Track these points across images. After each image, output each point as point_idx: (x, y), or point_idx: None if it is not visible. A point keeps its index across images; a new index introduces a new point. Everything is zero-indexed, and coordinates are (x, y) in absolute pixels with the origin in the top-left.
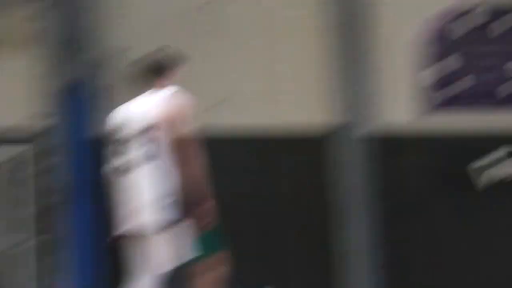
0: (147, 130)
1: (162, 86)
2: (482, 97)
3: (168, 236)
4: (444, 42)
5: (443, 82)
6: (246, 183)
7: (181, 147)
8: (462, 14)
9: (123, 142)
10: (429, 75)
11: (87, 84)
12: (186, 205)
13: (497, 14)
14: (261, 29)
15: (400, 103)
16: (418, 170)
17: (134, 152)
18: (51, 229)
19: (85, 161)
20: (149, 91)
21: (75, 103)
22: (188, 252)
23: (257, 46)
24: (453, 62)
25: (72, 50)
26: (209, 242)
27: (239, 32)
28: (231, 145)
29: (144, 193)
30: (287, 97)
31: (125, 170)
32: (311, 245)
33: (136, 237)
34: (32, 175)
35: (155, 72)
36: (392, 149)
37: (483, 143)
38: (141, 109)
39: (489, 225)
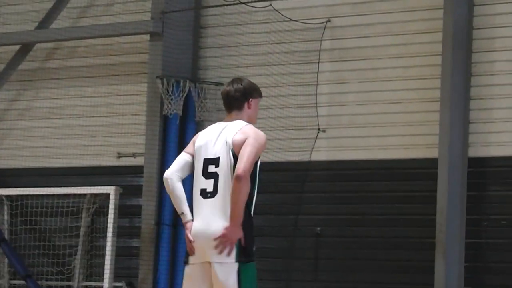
0: (227, 152)
1: (239, 116)
2: None
3: (237, 269)
4: None
5: None
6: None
7: (240, 157)
8: None
9: (206, 165)
10: None
11: (184, 116)
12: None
13: None
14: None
15: (510, 127)
16: None
17: (217, 173)
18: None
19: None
20: (227, 118)
21: (173, 135)
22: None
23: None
24: None
25: (173, 83)
26: (255, 284)
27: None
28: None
29: (220, 219)
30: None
31: (207, 193)
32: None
33: (207, 265)
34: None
35: (229, 103)
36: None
37: None
38: (223, 133)
39: None
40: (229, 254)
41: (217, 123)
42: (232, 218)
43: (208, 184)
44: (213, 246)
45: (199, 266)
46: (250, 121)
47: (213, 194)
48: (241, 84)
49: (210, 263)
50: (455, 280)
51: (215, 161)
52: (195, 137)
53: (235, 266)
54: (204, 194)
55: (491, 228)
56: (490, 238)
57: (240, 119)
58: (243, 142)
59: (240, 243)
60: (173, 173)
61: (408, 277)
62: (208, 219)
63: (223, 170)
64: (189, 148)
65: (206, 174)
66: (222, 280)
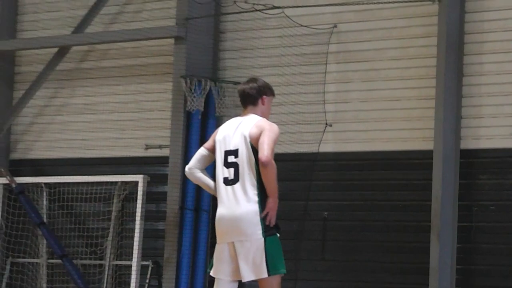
0: (246, 144)
1: (253, 111)
2: None
3: (263, 245)
4: None
5: None
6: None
7: (260, 145)
8: None
9: (226, 156)
10: None
11: (205, 112)
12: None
13: None
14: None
15: (500, 121)
16: (503, 189)
17: (237, 162)
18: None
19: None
20: (242, 114)
21: (195, 129)
22: (276, 263)
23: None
24: None
25: (196, 82)
26: (282, 259)
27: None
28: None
29: (244, 204)
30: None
31: (229, 181)
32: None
33: (231, 244)
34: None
35: (244, 99)
36: (483, 168)
37: None
38: (241, 126)
39: None
40: (256, 233)
41: (234, 119)
42: (271, 194)
43: (230, 173)
44: (238, 227)
45: (226, 245)
46: (263, 116)
47: (234, 181)
48: (256, 83)
49: (234, 243)
50: (448, 259)
51: (235, 152)
52: (214, 132)
53: (262, 239)
54: (227, 181)
55: (481, 213)
56: (479, 222)
57: (254, 114)
58: (259, 134)
59: (264, 221)
60: (192, 167)
61: (406, 257)
62: (232, 204)
63: (242, 159)
64: (208, 143)
65: (227, 164)
66: (252, 255)
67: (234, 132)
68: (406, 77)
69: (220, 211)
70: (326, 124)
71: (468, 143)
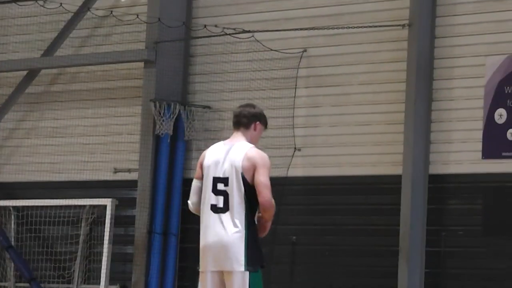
0: (237, 174)
1: (244, 135)
2: None
3: (247, 276)
4: None
5: None
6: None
7: (259, 188)
8: None
9: (215, 183)
10: (501, 116)
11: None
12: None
13: None
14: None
15: (468, 145)
16: (472, 214)
17: (227, 191)
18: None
19: (172, 206)
20: (232, 138)
21: (164, 153)
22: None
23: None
24: None
25: (165, 106)
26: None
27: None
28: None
29: (233, 233)
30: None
31: (218, 209)
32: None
33: (219, 272)
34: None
35: (238, 121)
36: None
37: None
38: (230, 154)
39: None
40: (240, 264)
41: (221, 143)
42: (264, 232)
43: (218, 201)
44: (225, 256)
45: (211, 274)
46: (252, 142)
47: (224, 210)
48: (254, 109)
49: (222, 272)
50: (416, 284)
51: (225, 180)
52: (201, 157)
53: (246, 273)
54: (215, 209)
55: (449, 238)
56: (448, 247)
57: (244, 139)
58: (252, 168)
59: (248, 255)
60: (195, 202)
61: (375, 281)
62: (220, 231)
63: (232, 189)
64: (197, 173)
65: (216, 191)
66: (236, 285)
67: (224, 158)
68: (376, 101)
69: (207, 238)
70: (295, 148)
71: (437, 168)
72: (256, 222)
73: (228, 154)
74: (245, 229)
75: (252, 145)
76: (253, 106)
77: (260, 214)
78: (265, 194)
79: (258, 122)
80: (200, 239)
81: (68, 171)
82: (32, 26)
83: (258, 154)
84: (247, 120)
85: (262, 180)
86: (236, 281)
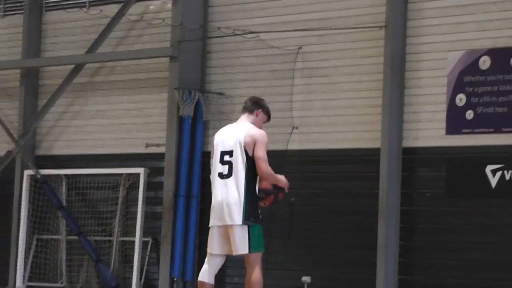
0: (240, 147)
1: (247, 119)
2: (500, 118)
3: (246, 229)
4: (474, 73)
5: (472, 105)
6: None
7: (258, 161)
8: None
9: (222, 155)
10: (461, 100)
11: (195, 117)
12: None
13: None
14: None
15: (434, 124)
16: (437, 179)
17: (231, 161)
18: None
19: (193, 174)
20: (239, 121)
21: (186, 131)
22: (255, 244)
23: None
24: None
25: (187, 93)
26: (262, 241)
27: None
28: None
29: (234, 194)
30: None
31: (223, 175)
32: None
33: (223, 226)
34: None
35: (246, 106)
36: (421, 163)
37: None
38: (235, 132)
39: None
40: (239, 219)
41: (228, 126)
42: (277, 182)
43: (224, 169)
44: (227, 212)
45: (217, 228)
46: (257, 123)
47: (228, 176)
48: (261, 101)
49: (227, 226)
50: (392, 237)
51: (230, 153)
52: (212, 139)
53: (244, 227)
54: (221, 176)
55: (419, 199)
56: (418, 206)
57: (248, 121)
58: (253, 143)
59: (246, 211)
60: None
61: (358, 235)
62: (224, 193)
63: (236, 160)
64: (212, 153)
65: (223, 162)
66: (238, 238)
67: (230, 136)
68: (358, 89)
69: (215, 199)
70: (293, 127)
71: (409, 143)
72: (255, 187)
73: (234, 132)
74: (245, 191)
75: (252, 125)
76: (260, 98)
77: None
78: (262, 166)
79: (260, 110)
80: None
81: (108, 146)
82: (78, 29)
83: (258, 132)
84: (252, 106)
85: (260, 154)
86: (236, 233)
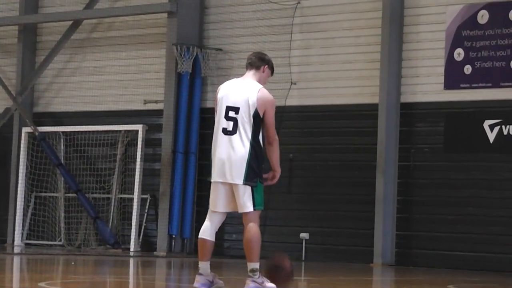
0: (247, 106)
1: (253, 76)
2: (499, 72)
3: (250, 188)
4: (472, 27)
5: (470, 60)
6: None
7: (268, 126)
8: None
9: (227, 110)
10: (459, 55)
11: (193, 73)
12: (265, 161)
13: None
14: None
15: (433, 79)
16: (435, 134)
17: (237, 118)
18: (155, 188)
19: (191, 130)
20: (245, 77)
21: (184, 87)
22: (257, 202)
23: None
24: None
25: (185, 49)
26: (262, 199)
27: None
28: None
29: (238, 151)
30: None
31: (228, 131)
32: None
33: (226, 183)
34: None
35: (252, 62)
36: (419, 118)
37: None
38: (242, 89)
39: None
40: (240, 178)
41: (234, 79)
42: (274, 166)
43: (229, 125)
44: (230, 170)
45: (221, 184)
46: (260, 82)
47: (232, 132)
48: (265, 56)
49: (231, 184)
50: (391, 192)
51: (235, 109)
52: (217, 91)
53: (247, 186)
54: (225, 131)
55: (417, 154)
56: (416, 161)
57: (254, 78)
58: (263, 106)
59: (249, 171)
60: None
61: (357, 189)
62: (229, 149)
63: (242, 117)
64: (216, 106)
65: (227, 117)
66: (243, 196)
67: (237, 91)
68: (357, 44)
69: (218, 155)
70: (292, 82)
71: (407, 98)
72: (261, 146)
73: (241, 89)
74: (249, 150)
75: (261, 86)
76: (264, 54)
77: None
78: (271, 130)
79: (266, 66)
80: (211, 155)
81: (107, 102)
82: None
83: (269, 97)
84: (258, 62)
85: (271, 120)
86: (240, 191)
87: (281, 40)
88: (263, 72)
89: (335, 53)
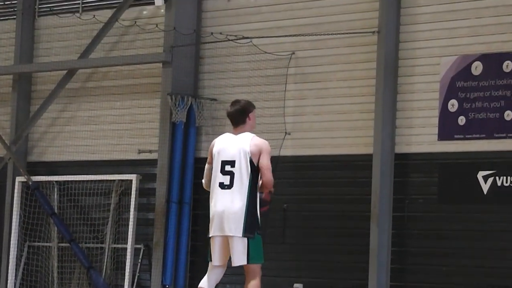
0: (243, 157)
1: (243, 129)
2: (492, 123)
3: (246, 240)
4: (466, 78)
5: (464, 111)
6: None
7: (263, 170)
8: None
9: (223, 165)
10: (453, 105)
11: (188, 122)
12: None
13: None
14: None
15: (427, 129)
16: (430, 185)
17: (233, 171)
18: (149, 238)
19: (185, 180)
20: (234, 130)
21: (179, 136)
22: (254, 255)
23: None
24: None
25: (180, 99)
26: (261, 251)
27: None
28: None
29: (236, 205)
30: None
31: (225, 185)
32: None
33: (224, 237)
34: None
35: (234, 121)
36: (413, 168)
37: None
38: (236, 142)
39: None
40: (239, 231)
41: (226, 134)
42: (266, 204)
43: (225, 179)
44: (228, 224)
45: (218, 238)
46: (251, 128)
47: (230, 186)
48: (239, 105)
49: (227, 237)
50: (385, 243)
51: (231, 163)
52: (211, 146)
53: (245, 239)
54: (222, 186)
55: (412, 205)
56: (410, 212)
57: (245, 131)
58: (258, 152)
59: (247, 223)
60: (206, 181)
61: (351, 240)
62: (227, 203)
63: (238, 170)
64: (209, 159)
65: (224, 172)
66: (237, 249)
67: (231, 145)
68: (351, 94)
69: (215, 210)
70: (286, 133)
71: (402, 148)
72: (257, 198)
73: (235, 142)
74: (247, 202)
75: (254, 135)
76: (238, 102)
77: (261, 192)
78: (268, 175)
79: (249, 114)
80: (210, 211)
81: (101, 152)
82: (71, 34)
83: (263, 142)
84: (242, 117)
85: (266, 164)
86: (236, 244)
87: (276, 90)
88: (250, 119)
89: (329, 104)
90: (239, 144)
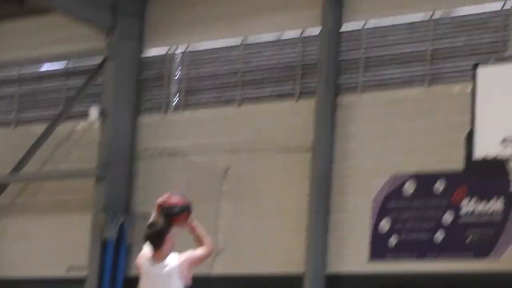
0: (171, 272)
1: (164, 251)
2: (423, 244)
3: None
4: (398, 198)
5: (396, 231)
6: None
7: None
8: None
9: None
10: (385, 225)
11: (120, 240)
12: None
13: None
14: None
15: (358, 249)
16: None
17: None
18: None
19: None
20: (158, 254)
21: (110, 254)
22: None
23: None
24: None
25: (111, 215)
26: None
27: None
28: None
29: None
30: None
31: None
32: None
33: None
34: None
35: (156, 247)
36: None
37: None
38: (162, 264)
39: None
40: None
41: (152, 252)
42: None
43: None
44: None
45: None
46: (172, 246)
47: None
48: (155, 227)
49: None
50: None
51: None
52: (138, 258)
53: None
54: None
55: None
56: None
57: (166, 251)
58: (186, 261)
59: None
60: None
61: None
62: None
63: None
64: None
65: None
66: None
67: (156, 267)
68: (285, 212)
69: None
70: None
71: (333, 268)
72: None
73: (159, 266)
74: None
75: (175, 254)
76: (154, 225)
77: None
78: (206, 248)
79: (167, 235)
80: None
81: (29, 269)
82: (3, 148)
83: (184, 253)
84: (159, 241)
85: (197, 252)
86: None
87: (210, 207)
88: (169, 239)
89: (262, 221)
90: (165, 264)
